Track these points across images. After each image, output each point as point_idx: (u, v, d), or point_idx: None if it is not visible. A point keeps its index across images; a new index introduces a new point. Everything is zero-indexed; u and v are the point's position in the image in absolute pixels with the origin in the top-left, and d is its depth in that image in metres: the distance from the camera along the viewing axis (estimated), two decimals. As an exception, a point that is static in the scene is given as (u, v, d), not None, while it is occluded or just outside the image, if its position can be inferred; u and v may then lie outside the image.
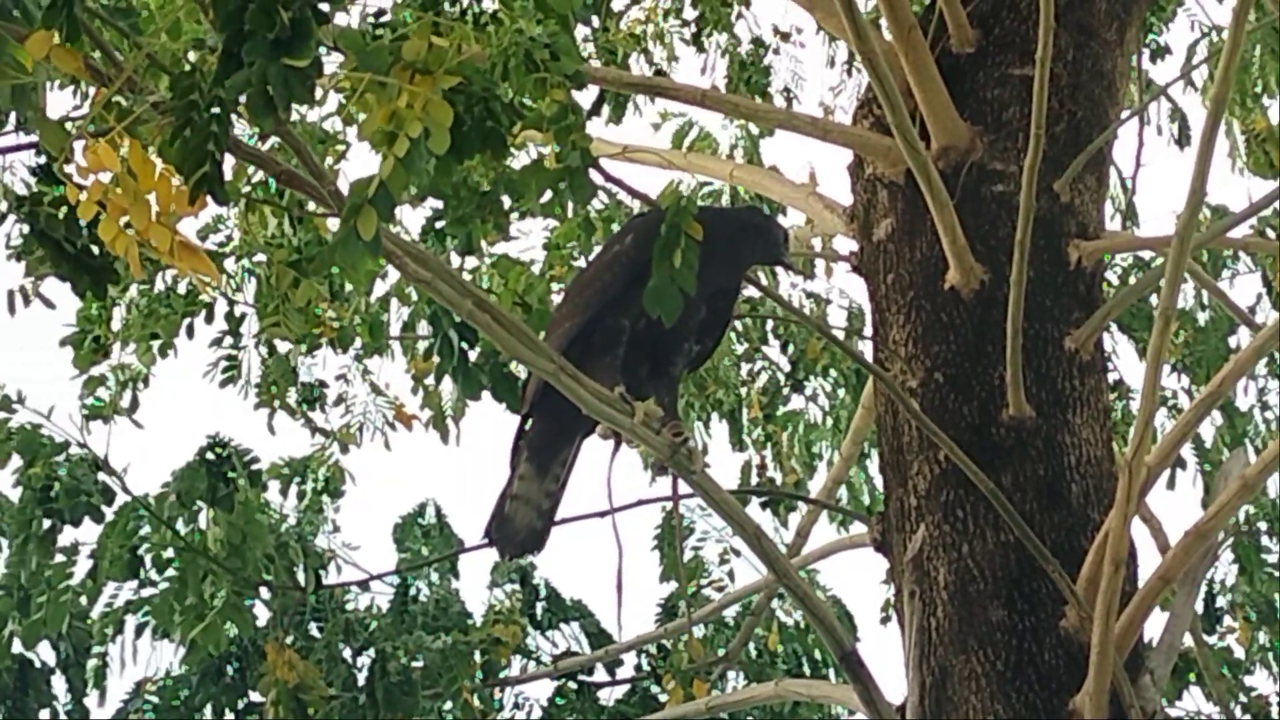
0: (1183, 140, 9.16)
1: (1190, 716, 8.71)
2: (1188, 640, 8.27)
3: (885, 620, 8.73)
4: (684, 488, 5.36)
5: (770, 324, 9.48)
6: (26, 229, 4.32)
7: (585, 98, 7.83)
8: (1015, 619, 5.93)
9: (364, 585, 7.37)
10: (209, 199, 3.96)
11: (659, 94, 6.92)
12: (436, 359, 5.81)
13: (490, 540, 5.38)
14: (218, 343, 7.11)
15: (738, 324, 9.68)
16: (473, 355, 5.92)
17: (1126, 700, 5.67)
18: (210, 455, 6.29)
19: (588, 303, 5.30)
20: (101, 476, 6.14)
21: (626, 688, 8.51)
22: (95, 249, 4.33)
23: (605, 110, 8.41)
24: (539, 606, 8.64)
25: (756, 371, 9.71)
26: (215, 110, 3.96)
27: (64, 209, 4.29)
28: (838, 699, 6.51)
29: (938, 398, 6.25)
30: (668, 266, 5.01)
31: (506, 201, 5.74)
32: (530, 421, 5.39)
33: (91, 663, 7.35)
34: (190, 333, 6.86)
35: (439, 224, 5.57)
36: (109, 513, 6.29)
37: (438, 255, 5.85)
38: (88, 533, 6.36)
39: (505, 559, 5.48)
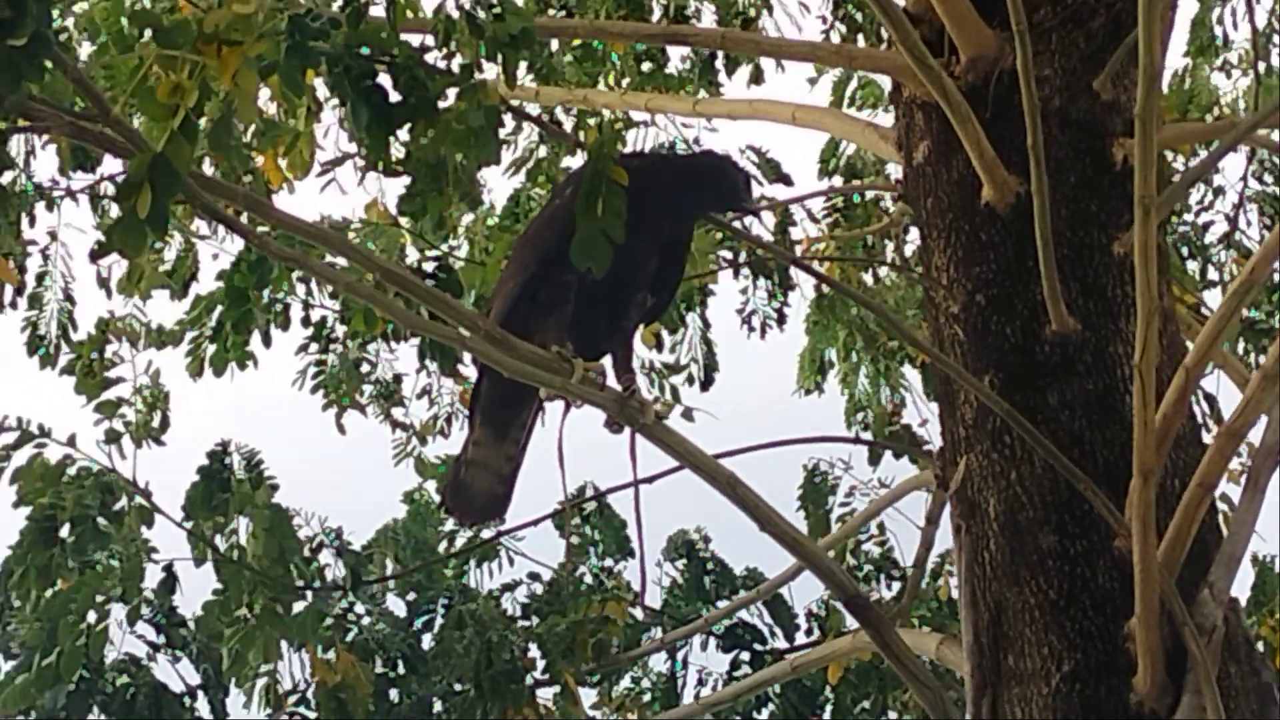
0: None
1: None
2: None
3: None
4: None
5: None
6: None
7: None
8: (1067, 544, 5.63)
9: (401, 578, 7.30)
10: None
11: (677, 42, 6.75)
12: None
13: (447, 510, 5.28)
14: (304, 349, 7.14)
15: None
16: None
17: (1179, 618, 5.30)
18: (217, 463, 6.32)
19: (529, 260, 5.18)
20: (137, 500, 6.20)
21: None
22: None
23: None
24: (706, 580, 8.50)
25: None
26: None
27: None
28: (915, 645, 6.21)
29: (980, 321, 5.96)
30: (592, 215, 4.86)
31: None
32: (481, 385, 5.27)
33: (261, 682, 7.37)
34: (267, 342, 6.89)
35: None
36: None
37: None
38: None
39: (466, 526, 5.37)
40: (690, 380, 8.74)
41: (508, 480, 5.28)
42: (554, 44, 7.95)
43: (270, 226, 4.96)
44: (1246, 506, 5.61)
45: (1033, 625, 5.57)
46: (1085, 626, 5.52)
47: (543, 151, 7.98)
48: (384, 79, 5.06)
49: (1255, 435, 5.74)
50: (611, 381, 5.07)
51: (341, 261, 5.45)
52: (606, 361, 5.14)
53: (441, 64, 5.14)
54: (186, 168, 3.99)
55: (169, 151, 3.96)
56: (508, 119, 7.05)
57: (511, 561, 8.14)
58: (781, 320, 8.98)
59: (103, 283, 6.83)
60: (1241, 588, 8.39)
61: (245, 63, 4.19)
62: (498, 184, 8.46)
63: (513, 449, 5.27)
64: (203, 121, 4.17)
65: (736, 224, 6.36)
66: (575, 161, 7.75)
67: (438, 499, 8.34)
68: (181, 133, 3.97)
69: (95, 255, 6.03)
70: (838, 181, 9.15)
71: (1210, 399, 7.89)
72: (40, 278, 8.05)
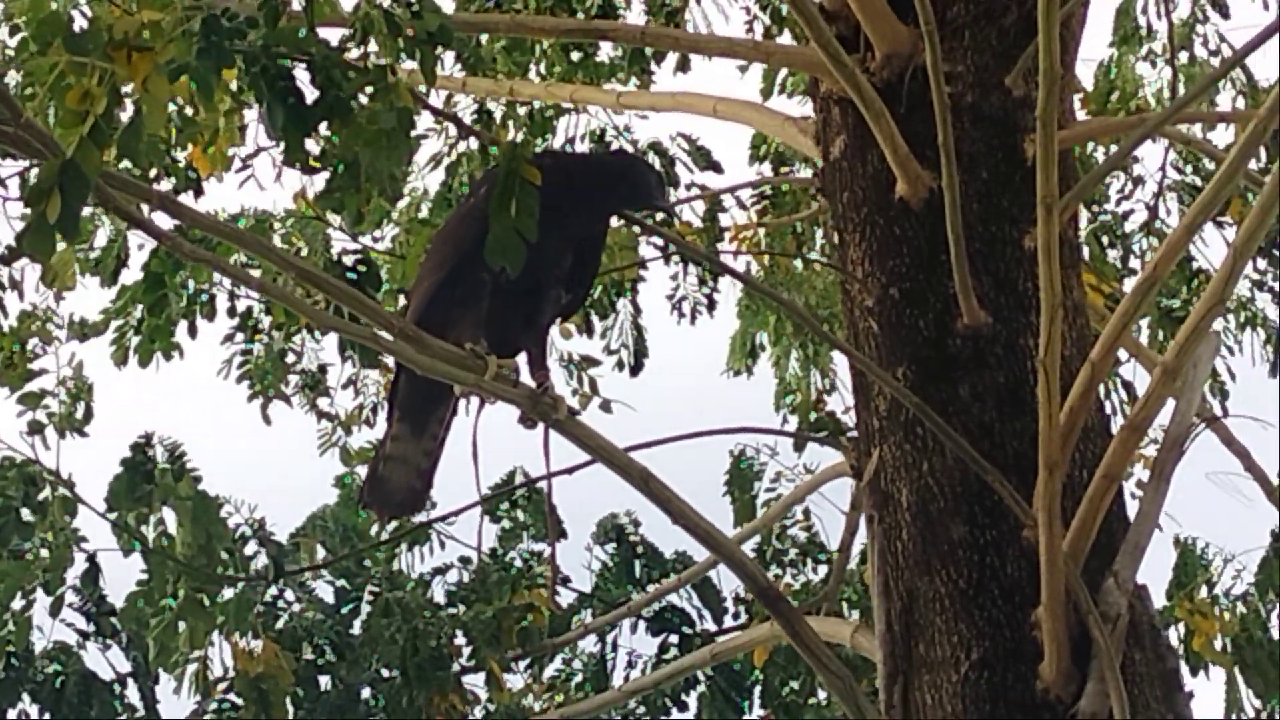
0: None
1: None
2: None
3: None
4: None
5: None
6: None
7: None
8: (976, 534, 5.73)
9: (327, 566, 7.37)
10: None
11: (598, 37, 6.83)
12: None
13: (365, 504, 5.35)
14: (229, 339, 7.21)
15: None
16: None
17: (1084, 607, 5.42)
18: (140, 455, 6.39)
19: (445, 258, 5.25)
20: (61, 491, 6.27)
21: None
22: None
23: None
24: (637, 564, 8.59)
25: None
26: None
27: None
28: (830, 634, 6.31)
29: (894, 314, 6.06)
30: (506, 215, 4.93)
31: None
32: (399, 381, 5.34)
33: (191, 668, 7.39)
34: (193, 333, 6.94)
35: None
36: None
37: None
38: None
39: (385, 521, 5.44)
40: (620, 365, 8.82)
41: (426, 474, 5.35)
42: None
43: (185, 225, 5.01)
44: (1151, 496, 5.73)
45: (943, 614, 5.68)
46: (994, 615, 5.62)
47: (465, 146, 8.04)
48: (302, 75, 5.11)
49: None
50: (526, 378, 5.15)
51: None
52: (521, 359, 5.21)
53: (359, 61, 5.20)
54: (96, 173, 4.04)
55: (79, 157, 4.01)
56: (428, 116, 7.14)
57: (443, 545, 8.24)
58: (711, 306, 9.07)
59: (14, 284, 6.88)
60: (1164, 569, 8.56)
61: (155, 69, 4.24)
62: (431, 173, 8.52)
63: (430, 444, 5.33)
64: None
65: (658, 218, 6.43)
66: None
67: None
68: (91, 139, 4.03)
69: (5, 260, 6.09)
70: (767, 168, 9.24)
71: (1128, 386, 8.02)
72: (-32, 264, 8.08)
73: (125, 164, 5.31)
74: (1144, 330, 8.48)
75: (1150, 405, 5.42)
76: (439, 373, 4.87)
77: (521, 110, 8.34)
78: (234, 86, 5.84)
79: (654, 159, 8.19)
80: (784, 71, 8.72)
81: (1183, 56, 9.11)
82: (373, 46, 5.23)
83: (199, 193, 6.82)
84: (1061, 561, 5.38)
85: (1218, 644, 8.13)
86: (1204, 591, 8.29)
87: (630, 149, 8.36)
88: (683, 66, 8.46)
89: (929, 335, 5.97)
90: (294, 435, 7.94)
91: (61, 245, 4.83)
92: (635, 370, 8.90)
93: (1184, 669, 6.45)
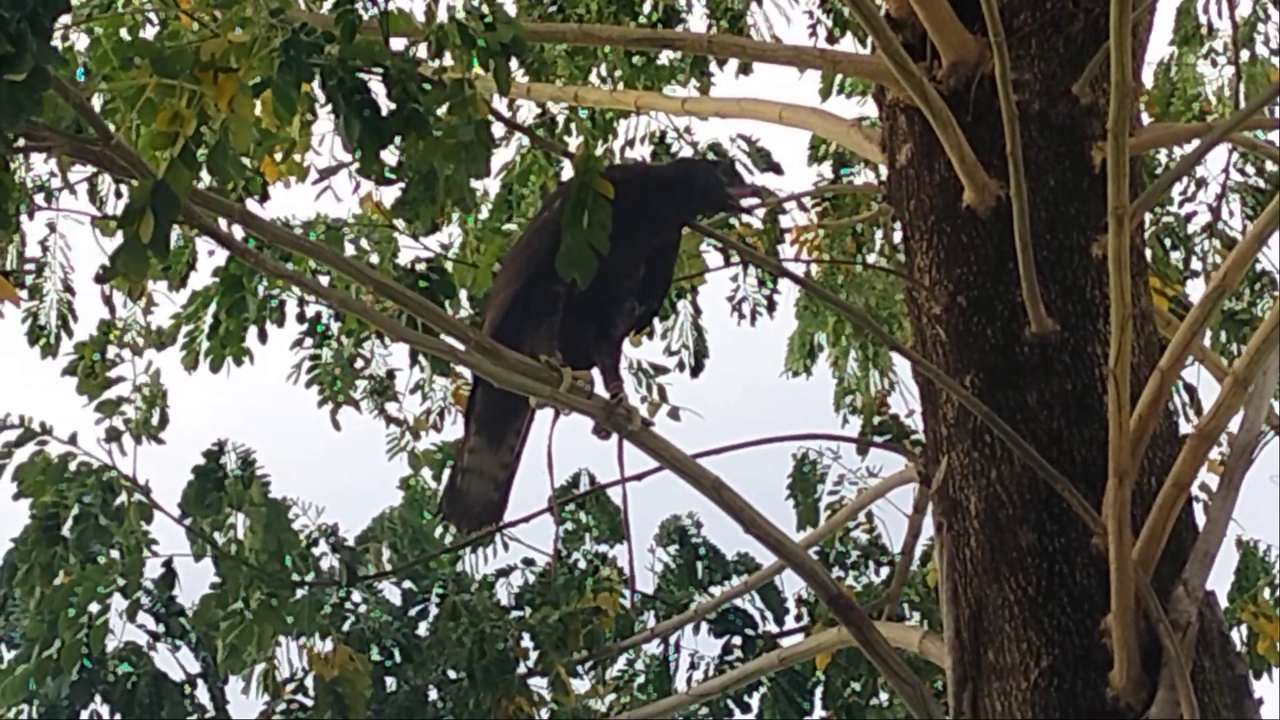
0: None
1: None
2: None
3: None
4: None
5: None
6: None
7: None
8: (1045, 542, 5.75)
9: (398, 573, 7.43)
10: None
11: (663, 45, 6.87)
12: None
13: (444, 517, 5.40)
14: (299, 344, 7.26)
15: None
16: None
17: (1154, 615, 5.45)
18: (212, 462, 6.48)
19: (519, 271, 5.30)
20: (137, 497, 6.34)
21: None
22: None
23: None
24: (699, 565, 8.63)
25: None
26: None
27: None
28: (897, 639, 6.35)
29: (961, 322, 6.08)
30: (578, 228, 4.97)
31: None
32: (477, 393, 5.39)
33: (259, 669, 7.46)
34: (263, 338, 7.00)
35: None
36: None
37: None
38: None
39: (463, 533, 5.49)
40: (681, 366, 8.85)
41: (503, 486, 5.40)
42: (545, 38, 8.06)
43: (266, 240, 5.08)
44: (1220, 504, 5.75)
45: (1012, 621, 5.70)
46: (1063, 622, 5.65)
47: (534, 156, 8.09)
48: (377, 86, 5.16)
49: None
50: (600, 389, 5.20)
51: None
52: (595, 370, 5.26)
53: (433, 74, 5.24)
54: (186, 193, 4.11)
55: (169, 178, 4.07)
56: (498, 128, 7.18)
57: (506, 546, 8.30)
58: (771, 307, 9.10)
59: (106, 300, 6.96)
60: (1227, 572, 8.56)
61: (241, 89, 4.30)
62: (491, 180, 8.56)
63: (508, 456, 5.38)
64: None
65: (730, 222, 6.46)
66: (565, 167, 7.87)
67: (434, 487, 8.49)
68: (181, 160, 4.09)
69: (100, 279, 6.17)
70: (827, 168, 9.26)
71: (1190, 389, 8.02)
72: (40, 269, 8.17)
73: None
74: (1207, 333, 8.46)
75: (1221, 414, 5.44)
76: (514, 385, 4.93)
77: (582, 113, 8.38)
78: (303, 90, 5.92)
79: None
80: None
81: (1244, 55, 9.08)
82: (447, 59, 5.28)
83: (265, 198, 6.89)
84: (1131, 569, 5.41)
85: (1281, 647, 8.14)
86: (1267, 594, 8.29)
87: (690, 151, 8.45)
88: (744, 70, 8.51)
89: (997, 343, 5.99)
90: (358, 437, 8.00)
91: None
92: (695, 371, 8.93)
93: (1249, 673, 6.48)
